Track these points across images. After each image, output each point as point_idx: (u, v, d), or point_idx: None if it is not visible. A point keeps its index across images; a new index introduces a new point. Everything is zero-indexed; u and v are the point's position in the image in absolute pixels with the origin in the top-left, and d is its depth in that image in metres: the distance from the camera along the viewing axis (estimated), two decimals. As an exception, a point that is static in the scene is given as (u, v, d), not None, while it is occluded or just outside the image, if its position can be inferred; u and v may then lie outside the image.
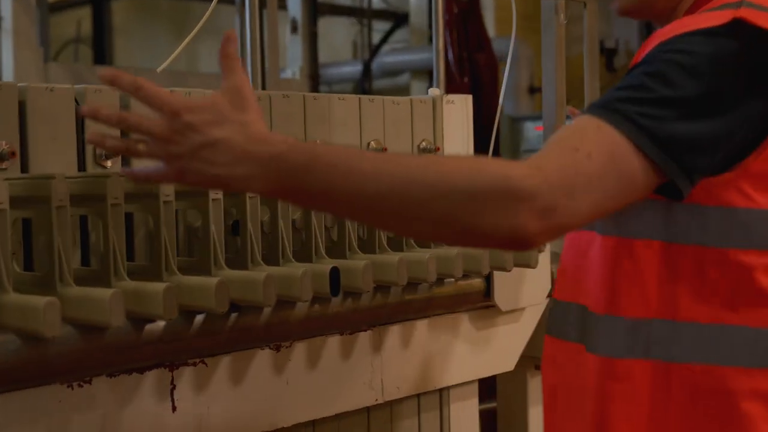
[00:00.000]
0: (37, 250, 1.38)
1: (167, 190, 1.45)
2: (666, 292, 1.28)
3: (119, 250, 1.39)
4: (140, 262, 1.53)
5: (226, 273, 1.50)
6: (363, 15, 6.58)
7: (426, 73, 6.49)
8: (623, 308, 1.32)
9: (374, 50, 6.72)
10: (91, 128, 1.27)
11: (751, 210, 1.22)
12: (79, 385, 1.38)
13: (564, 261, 1.52)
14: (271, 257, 1.63)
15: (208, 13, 2.21)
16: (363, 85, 6.64)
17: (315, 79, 5.77)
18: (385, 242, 1.85)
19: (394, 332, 1.92)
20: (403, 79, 6.76)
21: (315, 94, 1.95)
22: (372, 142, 2.02)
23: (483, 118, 3.63)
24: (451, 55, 5.10)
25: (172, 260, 1.46)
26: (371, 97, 2.06)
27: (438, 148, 2.13)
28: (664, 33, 1.24)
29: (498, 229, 1.07)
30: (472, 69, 5.01)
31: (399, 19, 6.81)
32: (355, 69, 6.69)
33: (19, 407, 1.31)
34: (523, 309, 2.23)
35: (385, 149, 2.00)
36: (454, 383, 2.10)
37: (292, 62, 5.79)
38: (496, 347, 2.18)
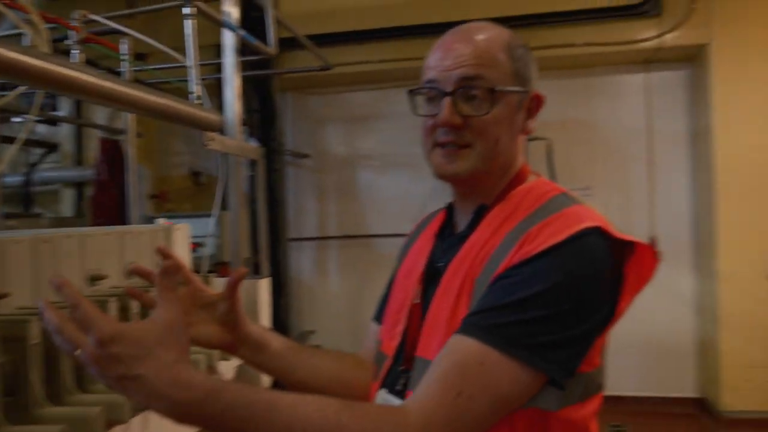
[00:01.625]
0: None
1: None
2: None
3: None
4: None
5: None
6: (26, 144, 5.57)
7: (73, 184, 5.62)
8: None
9: (32, 167, 5.71)
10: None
11: (587, 372, 0.86)
12: None
13: None
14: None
15: None
16: (26, 190, 5.57)
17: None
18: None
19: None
20: (56, 186, 5.78)
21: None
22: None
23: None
24: (106, 176, 4.52)
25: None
26: (129, 229, 1.57)
27: (174, 265, 1.70)
28: (551, 231, 0.83)
29: None
30: (119, 185, 4.55)
31: (51, 146, 5.88)
32: (15, 180, 5.58)
33: None
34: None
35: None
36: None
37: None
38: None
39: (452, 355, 0.79)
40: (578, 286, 0.80)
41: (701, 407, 4.53)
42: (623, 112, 4.75)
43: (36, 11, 1.08)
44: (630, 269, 0.86)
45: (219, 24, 1.93)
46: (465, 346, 0.78)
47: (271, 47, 2.38)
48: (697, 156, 4.58)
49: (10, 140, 5.52)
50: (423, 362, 0.87)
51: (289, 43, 4.65)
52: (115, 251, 1.51)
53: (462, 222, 0.98)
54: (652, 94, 4.71)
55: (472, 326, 0.79)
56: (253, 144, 5.43)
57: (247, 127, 5.19)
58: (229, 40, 2.13)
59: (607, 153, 4.79)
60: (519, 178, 0.96)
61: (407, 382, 0.90)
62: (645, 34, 4.30)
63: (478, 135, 0.90)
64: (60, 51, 1.50)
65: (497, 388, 0.77)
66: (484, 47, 0.90)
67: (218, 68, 4.62)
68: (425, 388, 0.77)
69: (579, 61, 4.59)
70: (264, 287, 2.14)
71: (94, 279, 1.42)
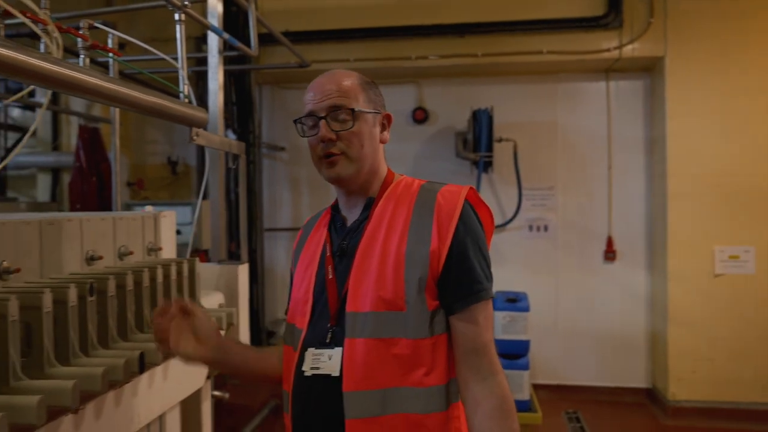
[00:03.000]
0: None
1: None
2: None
3: None
4: None
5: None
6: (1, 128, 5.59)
7: (49, 169, 5.66)
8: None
9: (8, 152, 5.73)
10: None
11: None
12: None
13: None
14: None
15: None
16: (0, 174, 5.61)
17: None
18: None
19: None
20: (30, 171, 5.82)
21: (68, 214, 1.57)
22: (121, 248, 1.70)
23: (108, 201, 3.46)
24: (85, 163, 4.64)
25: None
26: (120, 215, 1.73)
27: (161, 248, 1.87)
28: (451, 206, 1.20)
29: None
30: (98, 172, 4.68)
31: (25, 131, 5.95)
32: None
33: None
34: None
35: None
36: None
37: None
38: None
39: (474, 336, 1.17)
40: (483, 236, 1.22)
41: (651, 397, 4.83)
42: (585, 118, 5.02)
43: (53, 23, 1.25)
44: (484, 222, 1.23)
45: (206, 27, 2.09)
46: (472, 317, 1.16)
47: (253, 49, 2.55)
48: (652, 162, 4.87)
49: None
50: (356, 315, 1.16)
51: (267, 39, 4.81)
52: (109, 234, 1.67)
53: (352, 214, 1.29)
54: (612, 102, 4.98)
55: (466, 298, 1.16)
56: (231, 136, 5.56)
57: (225, 120, 5.31)
58: (213, 42, 2.29)
59: (569, 156, 5.05)
60: (390, 177, 1.30)
61: (333, 336, 1.19)
62: (606, 44, 4.56)
63: (348, 144, 1.22)
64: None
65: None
66: (344, 84, 1.23)
67: (197, 60, 4.76)
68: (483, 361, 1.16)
69: (545, 67, 4.84)
70: (243, 271, 2.32)
71: (92, 259, 1.58)
